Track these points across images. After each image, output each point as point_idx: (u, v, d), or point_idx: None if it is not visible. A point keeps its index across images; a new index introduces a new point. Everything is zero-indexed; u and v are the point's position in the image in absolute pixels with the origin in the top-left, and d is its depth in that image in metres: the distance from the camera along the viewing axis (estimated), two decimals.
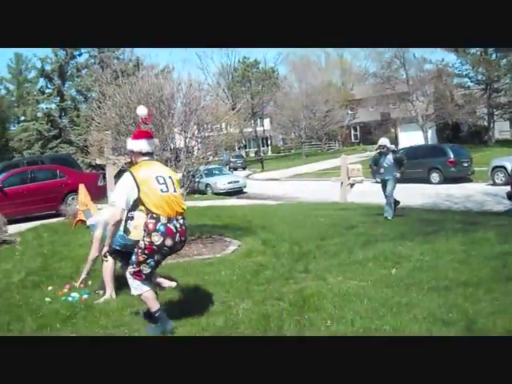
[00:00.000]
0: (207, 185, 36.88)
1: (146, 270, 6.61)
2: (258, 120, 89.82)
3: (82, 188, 9.57)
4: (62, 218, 19.82)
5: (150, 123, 7.41)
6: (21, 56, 70.24)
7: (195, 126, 12.78)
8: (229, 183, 37.19)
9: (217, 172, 39.64)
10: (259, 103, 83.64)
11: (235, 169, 64.04)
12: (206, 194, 35.36)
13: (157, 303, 6.76)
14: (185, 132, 12.70)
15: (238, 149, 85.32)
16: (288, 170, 55.44)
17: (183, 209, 6.70)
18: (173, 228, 6.45)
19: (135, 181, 6.43)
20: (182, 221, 6.61)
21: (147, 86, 12.23)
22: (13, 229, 17.30)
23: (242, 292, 8.19)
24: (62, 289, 8.92)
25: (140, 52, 51.76)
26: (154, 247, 6.42)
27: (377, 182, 19.62)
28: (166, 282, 8.45)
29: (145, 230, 6.44)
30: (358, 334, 5.97)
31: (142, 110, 7.21)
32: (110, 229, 6.79)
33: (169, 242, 6.44)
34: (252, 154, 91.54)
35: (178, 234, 6.51)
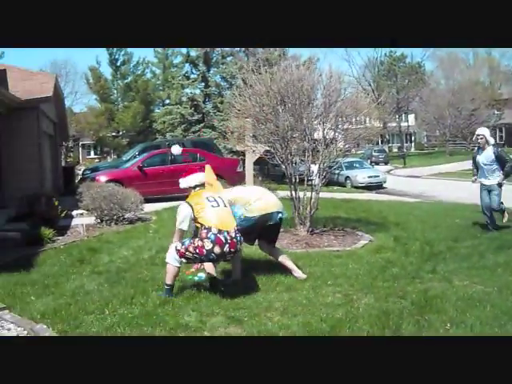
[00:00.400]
0: (347, 177, 36.86)
1: (189, 256, 7.69)
2: (403, 115, 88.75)
3: (208, 168, 9.85)
4: None
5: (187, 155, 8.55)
6: None
7: (334, 118, 12.76)
8: (369, 177, 36.96)
9: (357, 165, 39.52)
10: (404, 98, 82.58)
11: (377, 163, 63.71)
12: (345, 186, 35.27)
13: (172, 280, 7.82)
14: (323, 123, 12.72)
15: (382, 143, 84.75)
16: (430, 167, 54.43)
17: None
18: (223, 239, 7.47)
19: (190, 205, 7.76)
20: (233, 234, 7.62)
21: (288, 77, 12.32)
22: (150, 207, 17.85)
23: (366, 287, 8.16)
24: (190, 268, 9.09)
25: None
26: (204, 251, 7.48)
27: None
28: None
29: (199, 237, 7.57)
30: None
31: (176, 150, 8.74)
32: (172, 246, 7.93)
33: (217, 250, 7.46)
34: (395, 150, 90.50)
35: (227, 245, 7.51)
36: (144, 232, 14.04)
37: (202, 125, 52.51)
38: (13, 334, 6.74)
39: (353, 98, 12.92)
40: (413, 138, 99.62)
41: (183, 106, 53.78)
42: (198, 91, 54.77)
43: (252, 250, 10.35)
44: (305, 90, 12.28)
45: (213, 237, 7.43)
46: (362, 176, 36.75)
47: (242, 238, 7.96)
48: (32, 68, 30.52)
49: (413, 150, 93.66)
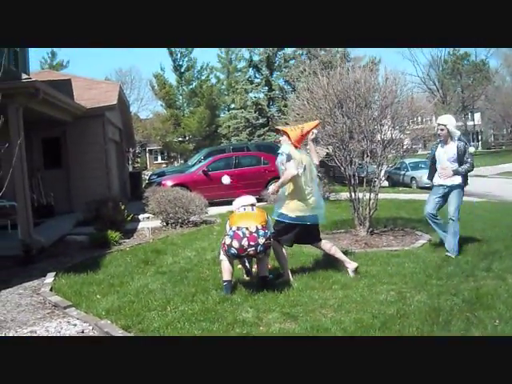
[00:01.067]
0: (412, 178, 36.63)
1: (223, 253, 8.35)
2: (469, 114, 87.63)
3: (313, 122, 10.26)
4: (264, 203, 20.51)
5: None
6: None
7: (391, 120, 12.87)
8: None
9: (423, 166, 39.16)
10: (470, 96, 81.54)
11: None
12: (410, 187, 35.04)
13: (228, 275, 8.34)
14: (380, 125, 12.83)
15: None
16: (496, 166, 53.44)
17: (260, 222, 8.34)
18: (240, 234, 8.11)
19: (228, 218, 8.76)
20: (253, 229, 8.17)
21: (344, 80, 12.50)
22: (214, 210, 18.22)
23: (420, 284, 8.28)
24: (251, 268, 9.32)
25: None
26: (225, 246, 8.18)
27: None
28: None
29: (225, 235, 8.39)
30: None
31: (226, 180, 11.26)
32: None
33: (235, 244, 8.08)
34: None
35: (245, 239, 8.07)
36: (208, 234, 14.44)
37: (266, 128, 52.92)
38: (78, 329, 7.15)
39: (408, 100, 12.98)
40: (479, 137, 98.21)
41: (248, 110, 54.36)
42: (261, 95, 55.31)
43: (311, 250, 10.57)
44: (361, 92, 12.43)
45: (231, 233, 8.18)
46: (427, 177, 36.47)
47: (269, 233, 8.38)
48: (98, 77, 31.29)
49: (480, 148, 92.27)
